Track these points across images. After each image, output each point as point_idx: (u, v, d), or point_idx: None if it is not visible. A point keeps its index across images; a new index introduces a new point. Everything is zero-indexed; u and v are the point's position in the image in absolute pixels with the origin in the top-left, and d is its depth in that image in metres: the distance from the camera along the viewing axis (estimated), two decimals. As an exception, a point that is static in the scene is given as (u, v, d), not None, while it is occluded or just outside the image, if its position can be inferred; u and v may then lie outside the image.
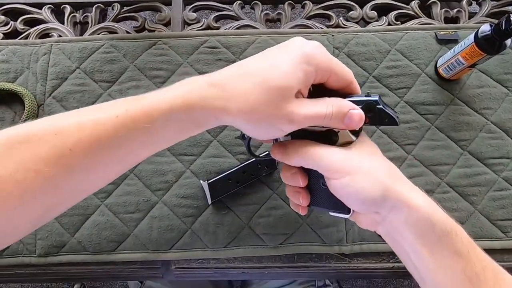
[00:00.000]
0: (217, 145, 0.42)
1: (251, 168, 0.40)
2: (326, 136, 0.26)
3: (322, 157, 0.25)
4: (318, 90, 0.26)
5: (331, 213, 0.28)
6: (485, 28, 0.36)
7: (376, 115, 0.25)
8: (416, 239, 0.23)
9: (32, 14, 0.48)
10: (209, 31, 0.46)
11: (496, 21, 0.48)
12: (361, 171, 0.24)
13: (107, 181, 0.24)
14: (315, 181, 0.28)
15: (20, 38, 0.47)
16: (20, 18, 0.48)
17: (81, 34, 0.47)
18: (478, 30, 0.37)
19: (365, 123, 0.25)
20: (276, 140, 0.29)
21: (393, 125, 0.26)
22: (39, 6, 0.48)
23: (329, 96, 0.25)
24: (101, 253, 0.39)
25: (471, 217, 0.40)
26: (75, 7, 0.49)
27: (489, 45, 0.36)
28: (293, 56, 0.23)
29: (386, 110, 0.25)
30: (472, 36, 0.37)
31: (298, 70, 0.23)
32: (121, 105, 0.22)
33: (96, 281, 0.94)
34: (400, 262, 0.39)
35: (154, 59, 0.44)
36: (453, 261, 0.22)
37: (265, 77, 0.23)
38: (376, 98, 0.25)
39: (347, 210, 0.27)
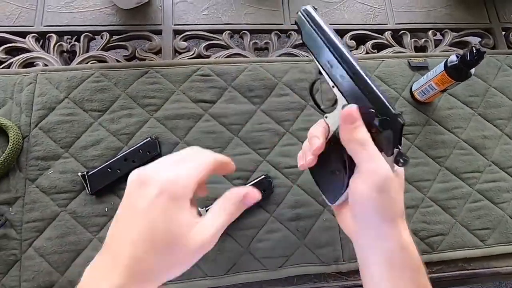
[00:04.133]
0: (213, 171, 0.42)
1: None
2: None
3: (371, 158, 0.25)
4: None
5: (321, 191, 0.30)
6: (453, 58, 0.41)
7: None
8: (385, 261, 0.26)
9: (15, 43, 0.47)
10: (201, 60, 0.47)
11: (457, 49, 0.54)
12: (390, 196, 0.25)
13: None
14: (327, 162, 0.29)
15: (2, 68, 0.45)
16: (1, 48, 0.46)
17: (68, 63, 0.46)
18: (447, 60, 0.41)
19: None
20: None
21: None
22: (23, 35, 0.47)
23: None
24: (94, 291, 0.37)
25: (452, 228, 0.43)
26: (62, 35, 0.48)
27: (457, 73, 0.40)
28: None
29: None
30: (442, 65, 0.42)
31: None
32: None
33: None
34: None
35: (147, 87, 0.45)
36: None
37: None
38: None
39: (333, 200, 0.29)
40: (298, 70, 0.48)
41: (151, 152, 0.41)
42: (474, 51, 0.38)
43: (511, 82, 0.51)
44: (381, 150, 0.25)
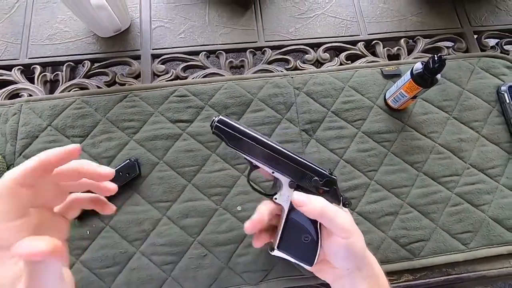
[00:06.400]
0: (192, 188, 0.43)
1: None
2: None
3: (337, 215, 0.30)
4: None
5: (293, 261, 0.33)
6: (418, 66, 0.42)
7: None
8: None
9: (2, 76, 0.49)
10: (177, 81, 0.49)
11: (430, 55, 0.55)
12: (358, 234, 0.31)
13: None
14: (294, 233, 0.32)
15: (-11, 100, 0.47)
16: (-12, 81, 0.48)
17: (52, 92, 0.49)
18: (412, 68, 0.42)
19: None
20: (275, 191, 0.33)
21: None
22: (9, 68, 0.50)
23: None
24: (77, 314, 0.37)
25: (433, 233, 0.43)
26: (45, 66, 0.51)
27: (423, 80, 0.41)
28: None
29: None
30: (409, 73, 0.43)
31: None
32: None
33: None
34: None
35: (126, 111, 0.46)
36: None
37: None
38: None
39: (311, 262, 0.32)
40: (273, 85, 0.49)
41: (130, 173, 0.42)
42: (436, 59, 0.39)
43: (485, 84, 0.51)
44: (332, 202, 0.32)
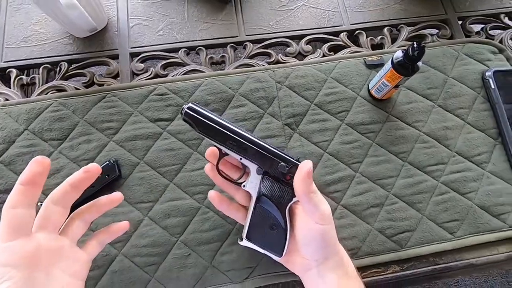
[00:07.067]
0: (174, 188, 0.43)
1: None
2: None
3: (323, 201, 0.32)
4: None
5: (262, 251, 0.33)
6: (398, 54, 0.41)
7: None
8: (338, 279, 0.31)
9: (-24, 81, 0.48)
10: (157, 79, 0.48)
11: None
12: (333, 224, 0.32)
13: None
14: (262, 221, 0.32)
15: (-36, 106, 0.46)
16: (-37, 86, 0.47)
17: (29, 96, 0.48)
18: (393, 57, 0.42)
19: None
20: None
21: None
22: (-17, 73, 0.49)
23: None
24: (60, 319, 0.37)
25: (420, 223, 0.42)
26: (21, 69, 0.50)
27: (404, 69, 0.41)
28: None
29: None
30: (389, 62, 0.42)
31: None
32: None
33: None
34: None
35: (104, 112, 0.45)
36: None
37: None
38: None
39: (280, 252, 0.33)
40: (254, 80, 0.48)
41: (110, 175, 0.42)
42: (415, 46, 0.38)
43: (470, 70, 0.51)
44: None
